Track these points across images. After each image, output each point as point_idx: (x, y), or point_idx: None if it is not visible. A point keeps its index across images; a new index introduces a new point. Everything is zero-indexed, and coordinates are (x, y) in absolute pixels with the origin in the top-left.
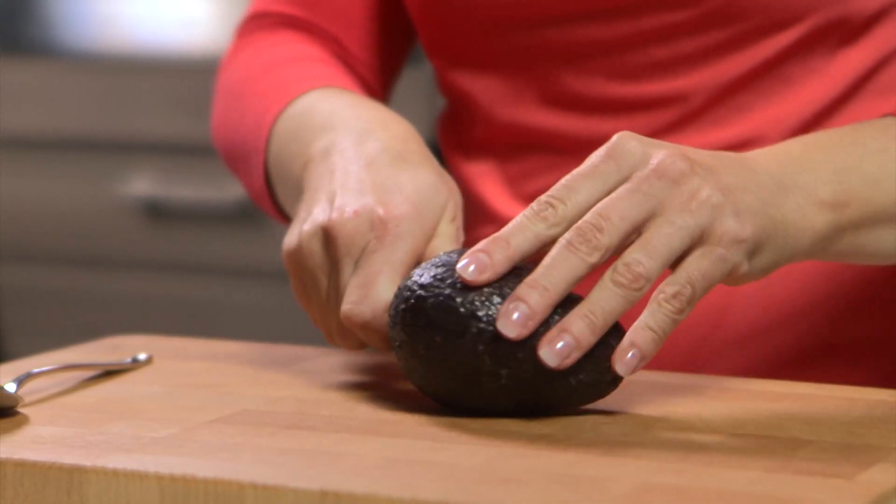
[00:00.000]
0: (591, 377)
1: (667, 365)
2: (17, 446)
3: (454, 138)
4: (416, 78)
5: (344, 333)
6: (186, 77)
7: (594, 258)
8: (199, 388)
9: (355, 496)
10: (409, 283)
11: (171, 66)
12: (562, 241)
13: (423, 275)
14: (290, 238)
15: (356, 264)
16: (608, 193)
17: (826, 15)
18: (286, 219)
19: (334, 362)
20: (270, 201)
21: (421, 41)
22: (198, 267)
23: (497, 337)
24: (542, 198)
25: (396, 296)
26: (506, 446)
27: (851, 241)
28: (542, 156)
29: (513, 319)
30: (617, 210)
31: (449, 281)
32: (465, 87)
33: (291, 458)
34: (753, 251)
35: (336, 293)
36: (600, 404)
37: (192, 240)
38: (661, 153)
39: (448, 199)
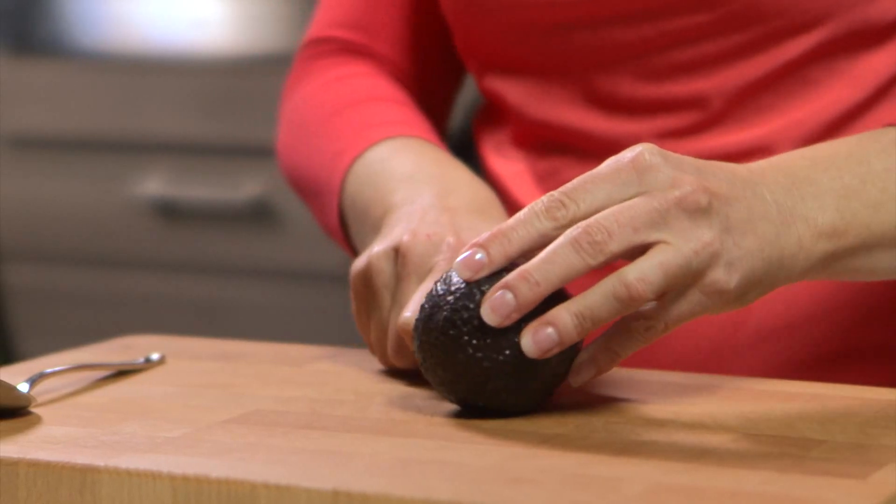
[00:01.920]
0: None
1: (686, 366)
2: (29, 446)
3: (488, 135)
4: None
5: (400, 351)
6: (199, 77)
7: (596, 261)
8: (211, 388)
9: (367, 496)
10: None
11: (184, 66)
12: (568, 235)
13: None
14: (360, 260)
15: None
16: (622, 202)
17: (847, 19)
18: (356, 253)
19: (347, 362)
20: (343, 238)
21: (456, 45)
22: (210, 267)
23: (484, 330)
24: (555, 193)
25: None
26: (518, 446)
27: (846, 265)
28: (569, 154)
29: (497, 308)
30: (633, 220)
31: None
32: (498, 89)
33: (304, 458)
34: (738, 295)
35: (396, 308)
36: (611, 404)
37: (204, 240)
38: (687, 182)
39: None
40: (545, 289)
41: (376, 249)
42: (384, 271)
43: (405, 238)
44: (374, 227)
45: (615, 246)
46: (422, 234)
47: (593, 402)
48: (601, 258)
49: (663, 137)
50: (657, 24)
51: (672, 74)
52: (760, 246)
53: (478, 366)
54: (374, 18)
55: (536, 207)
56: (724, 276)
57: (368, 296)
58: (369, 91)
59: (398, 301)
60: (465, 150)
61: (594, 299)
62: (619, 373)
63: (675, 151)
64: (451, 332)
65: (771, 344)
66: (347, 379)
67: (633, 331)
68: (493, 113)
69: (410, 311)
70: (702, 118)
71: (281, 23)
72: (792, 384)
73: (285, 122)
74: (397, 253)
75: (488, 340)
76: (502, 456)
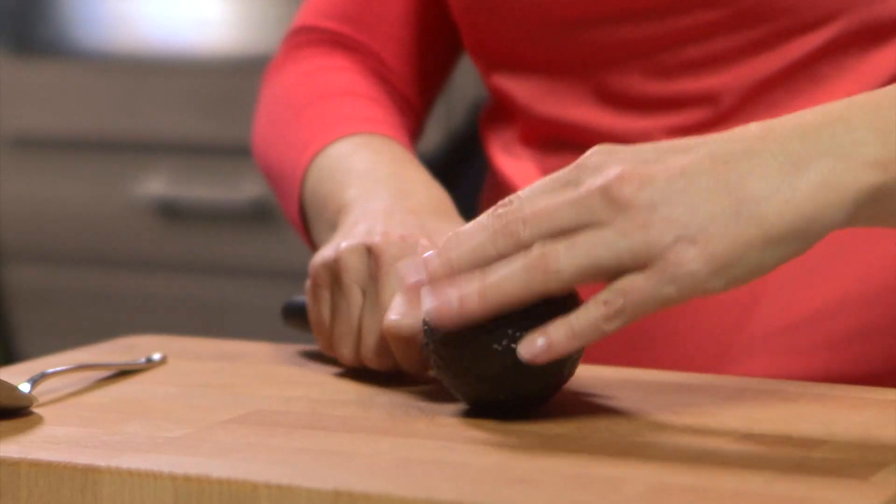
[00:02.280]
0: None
1: (688, 367)
2: (31, 446)
3: (496, 134)
4: None
5: (380, 352)
6: (200, 77)
7: (506, 246)
8: (212, 388)
9: (369, 496)
10: None
11: (185, 66)
12: (488, 221)
13: None
14: (326, 252)
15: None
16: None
17: (858, 16)
18: (315, 247)
19: None
20: (304, 230)
21: (464, 43)
22: (212, 267)
23: (521, 325)
24: (504, 199)
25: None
26: (520, 446)
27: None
28: (578, 152)
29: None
30: (549, 212)
31: None
32: (506, 87)
33: (305, 458)
34: (722, 267)
35: (373, 309)
36: (613, 405)
37: (205, 240)
38: (614, 171)
39: None
40: (456, 265)
41: (345, 245)
42: (355, 268)
43: (377, 239)
44: (330, 223)
45: (528, 233)
46: (394, 235)
47: (595, 402)
48: (511, 244)
49: (673, 134)
50: (667, 21)
51: (682, 71)
52: (733, 213)
53: (513, 360)
54: (368, 12)
55: (489, 210)
56: (684, 252)
57: (335, 290)
58: (344, 86)
59: (375, 302)
60: (472, 149)
61: (502, 270)
62: (620, 373)
63: None
64: (489, 325)
65: (773, 345)
66: (348, 379)
67: (588, 305)
68: (500, 111)
69: (397, 315)
70: (712, 115)
71: (281, 23)
72: (794, 384)
73: (262, 109)
74: (370, 252)
75: (523, 334)
76: (503, 456)
